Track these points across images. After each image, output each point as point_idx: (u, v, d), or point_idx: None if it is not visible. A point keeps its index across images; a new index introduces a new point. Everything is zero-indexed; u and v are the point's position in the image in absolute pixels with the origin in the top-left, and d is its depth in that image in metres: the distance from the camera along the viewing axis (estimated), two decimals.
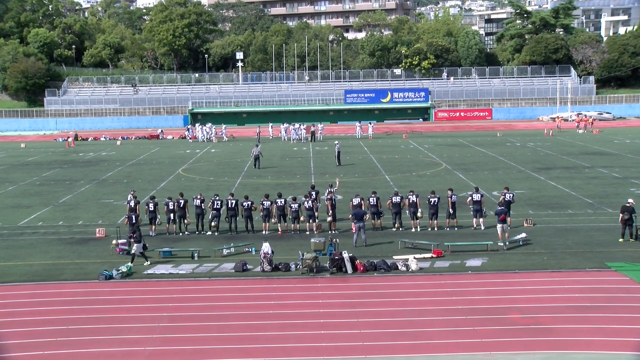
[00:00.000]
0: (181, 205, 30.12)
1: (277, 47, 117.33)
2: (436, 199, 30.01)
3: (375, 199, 30.14)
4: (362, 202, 29.42)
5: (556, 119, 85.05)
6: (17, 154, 65.75)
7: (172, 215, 30.22)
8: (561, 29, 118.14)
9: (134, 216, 28.35)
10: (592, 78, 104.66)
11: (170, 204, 30.22)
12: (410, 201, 30.00)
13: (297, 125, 74.93)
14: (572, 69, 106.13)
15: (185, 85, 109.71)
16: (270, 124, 80.00)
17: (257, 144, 55.88)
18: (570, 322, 19.05)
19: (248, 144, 58.51)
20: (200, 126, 78.12)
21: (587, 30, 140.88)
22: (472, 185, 38.64)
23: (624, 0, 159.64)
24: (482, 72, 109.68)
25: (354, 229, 27.85)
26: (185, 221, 30.41)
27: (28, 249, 28.25)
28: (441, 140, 70.78)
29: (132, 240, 26.16)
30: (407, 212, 30.22)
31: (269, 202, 30.09)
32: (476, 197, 30.20)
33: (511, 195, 30.34)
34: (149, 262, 25.65)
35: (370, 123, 78.10)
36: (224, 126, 79.27)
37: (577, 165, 49.22)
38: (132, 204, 30.29)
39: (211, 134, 75.54)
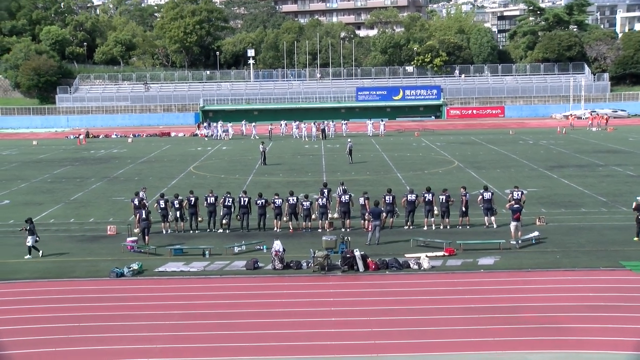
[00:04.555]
0: (192, 203, 30.17)
1: (288, 45, 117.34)
2: (444, 197, 29.89)
3: (391, 197, 30.07)
4: (367, 202, 29.55)
5: (569, 117, 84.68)
6: (29, 151, 66.05)
7: (178, 213, 30.26)
8: (575, 26, 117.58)
9: (143, 212, 28.40)
10: (606, 75, 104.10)
11: (176, 202, 30.24)
12: (426, 199, 29.91)
13: (297, 123, 75.68)
14: (585, 66, 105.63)
15: (197, 82, 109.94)
16: (284, 122, 79.86)
17: (263, 141, 56.09)
18: (584, 321, 18.94)
19: (260, 141, 58.54)
20: (215, 124, 78.08)
21: (602, 26, 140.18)
22: (485, 183, 38.54)
23: None
24: (495, 69, 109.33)
25: (369, 227, 27.81)
26: (199, 219, 30.47)
27: (39, 246, 28.28)
28: (453, 138, 70.59)
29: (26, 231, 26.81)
30: (423, 210, 30.14)
31: (280, 200, 30.09)
32: (487, 195, 30.10)
33: (519, 193, 30.19)
34: (30, 256, 26.45)
35: (381, 120, 77.84)
36: (244, 122, 79.04)
37: (590, 164, 48.98)
38: (136, 202, 30.38)
39: (224, 131, 75.60)
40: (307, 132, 72.62)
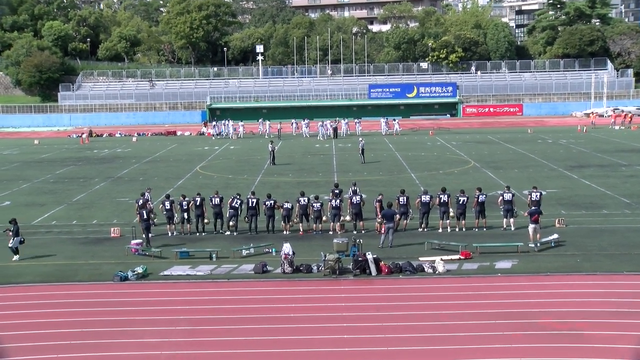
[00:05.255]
0: (198, 204, 30.23)
1: (298, 40, 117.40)
2: (465, 199, 29.88)
3: (405, 198, 30.03)
4: (379, 204, 29.68)
5: (591, 115, 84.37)
6: (31, 151, 66.37)
7: (185, 214, 30.33)
8: (597, 20, 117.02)
9: (144, 212, 28.66)
10: (630, 71, 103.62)
11: (184, 203, 30.32)
12: (442, 200, 29.86)
13: (306, 121, 76.14)
14: (608, 61, 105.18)
15: (204, 79, 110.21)
16: (294, 120, 79.67)
17: (272, 141, 56.03)
18: (606, 328, 18.86)
19: (268, 140, 58.63)
20: (227, 122, 77.87)
21: (626, 20, 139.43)
22: (502, 183, 38.47)
23: None
24: (513, 65, 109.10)
25: (383, 229, 27.80)
26: (206, 220, 30.55)
27: (41, 248, 28.48)
28: (469, 137, 70.48)
29: (9, 233, 27.08)
30: (438, 211, 30.08)
31: (289, 205, 30.09)
32: (507, 196, 30.03)
33: (538, 194, 30.12)
34: (17, 258, 26.73)
35: (394, 119, 77.91)
36: (261, 121, 78.70)
37: (612, 163, 48.78)
38: (140, 202, 30.46)
39: (234, 129, 75.60)
40: (324, 131, 72.06)
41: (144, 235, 28.57)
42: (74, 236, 30.81)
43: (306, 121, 76.44)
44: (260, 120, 79.85)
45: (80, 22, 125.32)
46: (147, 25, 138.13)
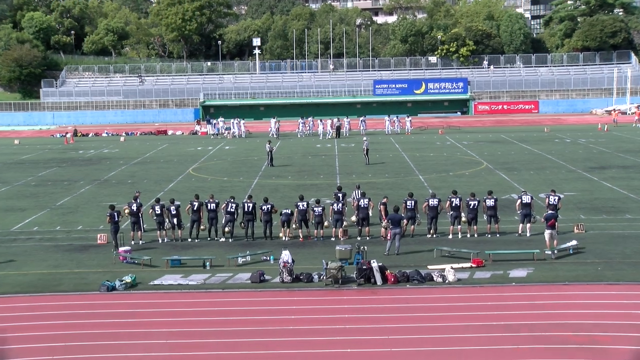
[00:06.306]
0: (195, 208, 30.25)
1: (298, 33, 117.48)
2: (475, 203, 29.87)
3: (413, 202, 30.02)
4: (383, 207, 29.76)
5: (612, 112, 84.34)
6: (11, 151, 66.43)
7: (175, 219, 30.34)
8: (621, 9, 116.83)
9: (116, 214, 28.82)
10: None
11: (172, 207, 30.34)
12: (453, 204, 29.83)
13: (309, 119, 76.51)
14: (632, 55, 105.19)
15: (196, 75, 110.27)
16: (300, 119, 78.76)
17: (270, 140, 55.92)
18: (629, 341, 18.84)
19: (265, 140, 58.64)
20: (234, 120, 77.08)
21: None
22: (516, 186, 38.52)
23: None
24: (528, 60, 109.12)
25: (389, 235, 27.79)
26: (202, 227, 30.57)
27: (22, 256, 28.48)
28: (482, 136, 70.53)
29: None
30: (448, 216, 30.07)
31: (288, 211, 30.10)
32: (526, 199, 30.01)
33: (556, 198, 30.11)
34: None
35: (407, 116, 77.90)
36: (273, 120, 76.88)
37: (636, 164, 48.79)
38: (133, 207, 30.42)
39: (226, 129, 75.53)
40: (324, 130, 72.12)
41: (112, 241, 28.71)
42: (58, 243, 30.80)
43: (304, 120, 76.15)
44: (274, 119, 77.94)
45: (63, 13, 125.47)
46: (136, 16, 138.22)
